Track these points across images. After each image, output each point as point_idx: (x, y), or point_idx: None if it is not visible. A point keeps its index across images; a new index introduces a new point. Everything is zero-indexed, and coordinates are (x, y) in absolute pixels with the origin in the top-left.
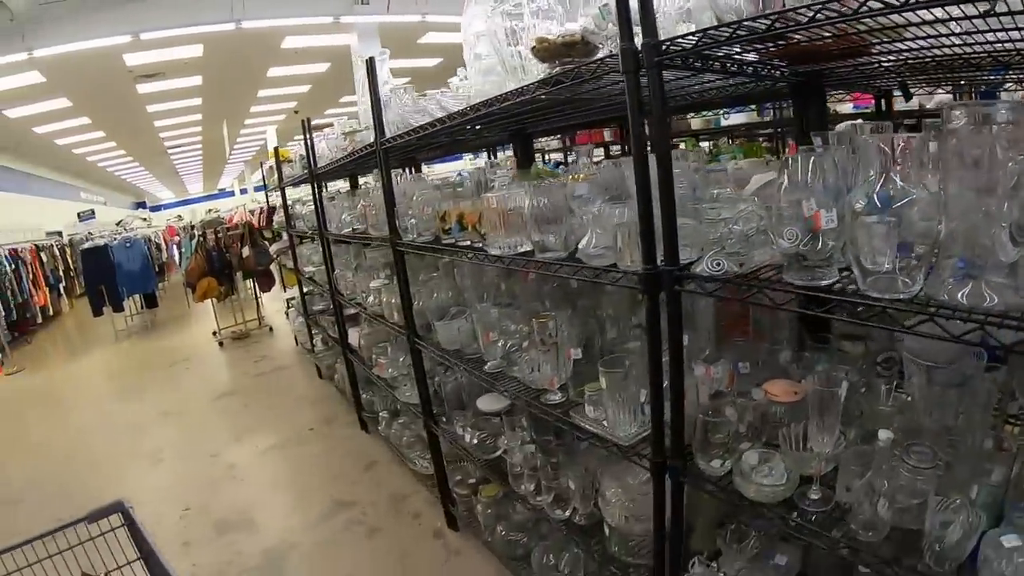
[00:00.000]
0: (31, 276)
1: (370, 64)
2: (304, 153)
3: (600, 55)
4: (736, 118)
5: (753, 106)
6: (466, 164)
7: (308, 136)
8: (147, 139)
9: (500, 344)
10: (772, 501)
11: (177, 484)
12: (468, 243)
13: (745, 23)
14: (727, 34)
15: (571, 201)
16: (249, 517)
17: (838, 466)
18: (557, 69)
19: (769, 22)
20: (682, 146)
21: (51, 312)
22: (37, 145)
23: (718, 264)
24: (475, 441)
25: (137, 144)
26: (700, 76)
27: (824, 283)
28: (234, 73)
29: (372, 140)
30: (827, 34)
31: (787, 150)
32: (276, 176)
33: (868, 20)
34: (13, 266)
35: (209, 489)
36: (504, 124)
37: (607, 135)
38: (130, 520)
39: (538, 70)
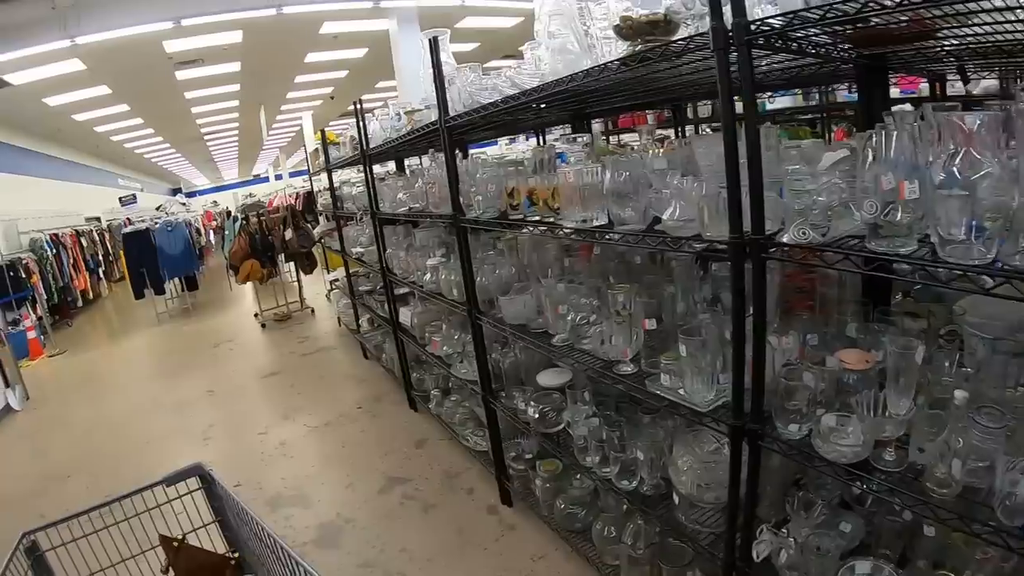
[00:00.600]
0: (72, 261)
1: (433, 43)
2: (355, 134)
3: (681, 34)
4: (781, 102)
5: (798, 90)
6: (502, 148)
7: (360, 117)
8: (184, 126)
9: (569, 317)
10: (849, 462)
11: (227, 461)
12: (538, 218)
13: (836, 5)
14: (817, 15)
15: (651, 176)
16: (302, 493)
17: (909, 430)
18: (640, 46)
19: (860, 4)
20: None
21: (91, 296)
22: (77, 132)
23: (804, 233)
24: (536, 415)
25: (174, 130)
26: (771, 57)
27: (904, 251)
28: (272, 59)
29: (434, 119)
30: (904, 18)
31: (833, 134)
32: (323, 158)
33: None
34: (54, 251)
35: (260, 466)
36: (568, 103)
37: (649, 118)
38: (208, 483)
39: (615, 49)
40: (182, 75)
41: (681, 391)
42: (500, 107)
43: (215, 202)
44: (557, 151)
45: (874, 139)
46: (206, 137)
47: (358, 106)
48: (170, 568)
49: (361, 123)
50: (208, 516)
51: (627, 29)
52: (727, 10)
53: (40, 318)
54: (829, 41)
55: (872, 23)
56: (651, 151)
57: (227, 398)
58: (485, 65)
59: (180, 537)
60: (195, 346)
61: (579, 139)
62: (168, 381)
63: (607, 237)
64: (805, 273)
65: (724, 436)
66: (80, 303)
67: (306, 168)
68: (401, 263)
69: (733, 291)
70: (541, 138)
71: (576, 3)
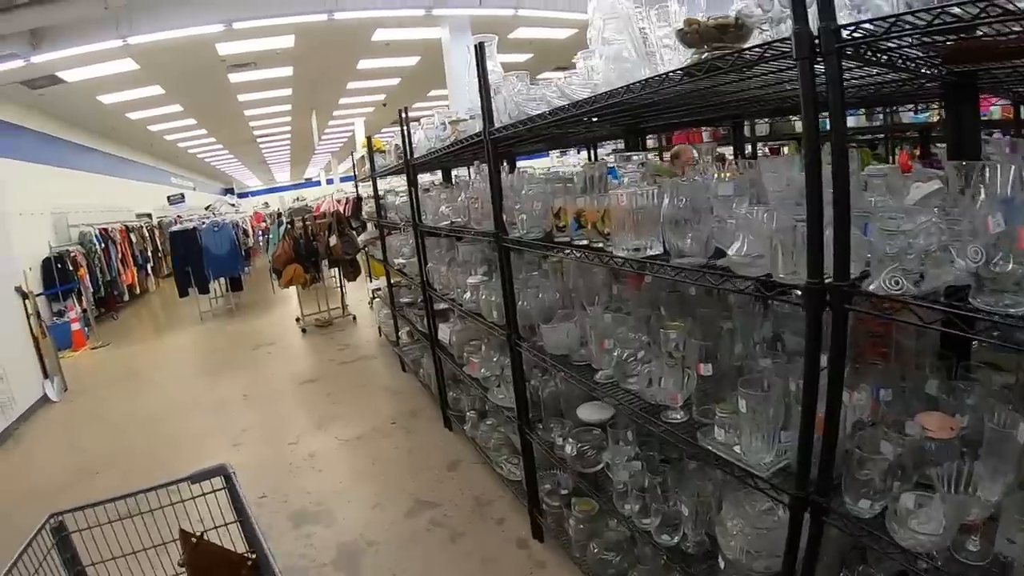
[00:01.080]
0: (120, 255)
1: (479, 49)
2: (400, 143)
3: (754, 41)
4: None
5: (862, 110)
6: (552, 161)
7: (405, 126)
8: (237, 127)
9: (615, 353)
10: (927, 551)
11: (255, 469)
12: (586, 242)
13: (951, 8)
14: (924, 21)
15: (714, 202)
16: (327, 509)
17: (996, 514)
18: (706, 54)
19: (979, 8)
20: (785, 150)
21: (138, 291)
22: (130, 130)
23: (896, 282)
24: (574, 453)
25: (227, 132)
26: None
27: (1016, 312)
28: (325, 64)
29: (478, 129)
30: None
31: (897, 157)
32: (368, 166)
33: None
34: (103, 245)
35: (288, 477)
36: (621, 117)
37: (705, 135)
38: (231, 484)
39: (678, 57)
40: (235, 78)
41: (737, 448)
42: (547, 119)
43: (266, 204)
44: (608, 168)
45: (984, 172)
46: (259, 139)
47: (403, 114)
48: (186, 563)
49: (405, 132)
50: (231, 516)
51: (692, 34)
52: (811, 12)
53: (85, 310)
54: (922, 54)
55: (978, 34)
56: (715, 174)
57: (262, 403)
58: (538, 76)
59: (199, 534)
60: (235, 347)
61: (633, 157)
62: (205, 381)
63: (662, 270)
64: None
65: (783, 503)
66: (127, 297)
67: (388, 165)
68: (442, 278)
69: (808, 344)
70: (593, 153)
71: (633, 5)
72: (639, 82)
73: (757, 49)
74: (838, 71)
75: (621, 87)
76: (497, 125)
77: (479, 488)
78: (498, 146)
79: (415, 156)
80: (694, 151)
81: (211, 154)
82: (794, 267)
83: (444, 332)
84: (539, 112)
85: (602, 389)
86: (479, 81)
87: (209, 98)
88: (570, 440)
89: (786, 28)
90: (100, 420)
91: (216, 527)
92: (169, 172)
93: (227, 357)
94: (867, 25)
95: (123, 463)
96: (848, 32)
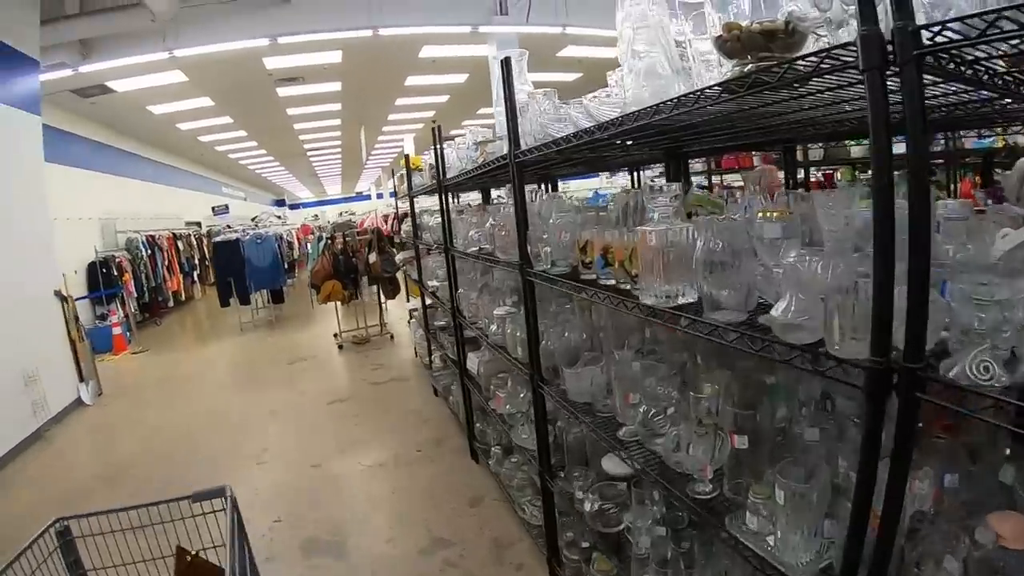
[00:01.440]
0: (166, 262)
1: (505, 65)
2: (433, 162)
3: (808, 49)
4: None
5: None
6: (602, 182)
7: (438, 144)
8: (287, 140)
9: (641, 409)
10: None
11: (273, 490)
12: (613, 282)
13: None
14: None
15: (758, 245)
16: (340, 539)
17: None
18: (750, 66)
19: None
20: (838, 175)
21: (183, 297)
22: (180, 140)
23: (985, 368)
24: (595, 509)
25: (277, 144)
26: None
27: None
28: (372, 80)
29: (505, 152)
30: None
31: (959, 185)
32: (406, 184)
33: None
34: (149, 251)
35: (305, 502)
36: (657, 140)
37: (755, 160)
38: (231, 506)
39: (719, 69)
40: (284, 92)
41: (770, 540)
42: (572, 143)
43: (315, 216)
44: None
45: None
46: (309, 153)
47: (435, 132)
48: None
49: (438, 151)
50: (231, 537)
51: (733, 43)
52: (880, 11)
53: (127, 315)
54: (1011, 68)
55: None
56: (762, 213)
57: (290, 421)
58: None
59: (195, 552)
60: (271, 361)
61: (666, 188)
62: (237, 393)
63: (694, 325)
64: None
65: None
66: (171, 303)
67: (424, 184)
68: (471, 305)
69: (866, 437)
70: (637, 177)
71: (667, 13)
72: (670, 101)
73: (812, 59)
74: (918, 84)
75: (650, 107)
76: (523, 147)
77: (499, 528)
78: (524, 170)
79: (447, 176)
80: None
81: (262, 166)
82: (853, 335)
83: (472, 362)
84: (563, 135)
85: (625, 448)
86: (504, 100)
87: (258, 111)
88: (591, 495)
89: (848, 32)
90: (129, 427)
91: (215, 546)
92: (220, 182)
93: (261, 370)
94: (954, 26)
95: (144, 472)
96: (930, 35)
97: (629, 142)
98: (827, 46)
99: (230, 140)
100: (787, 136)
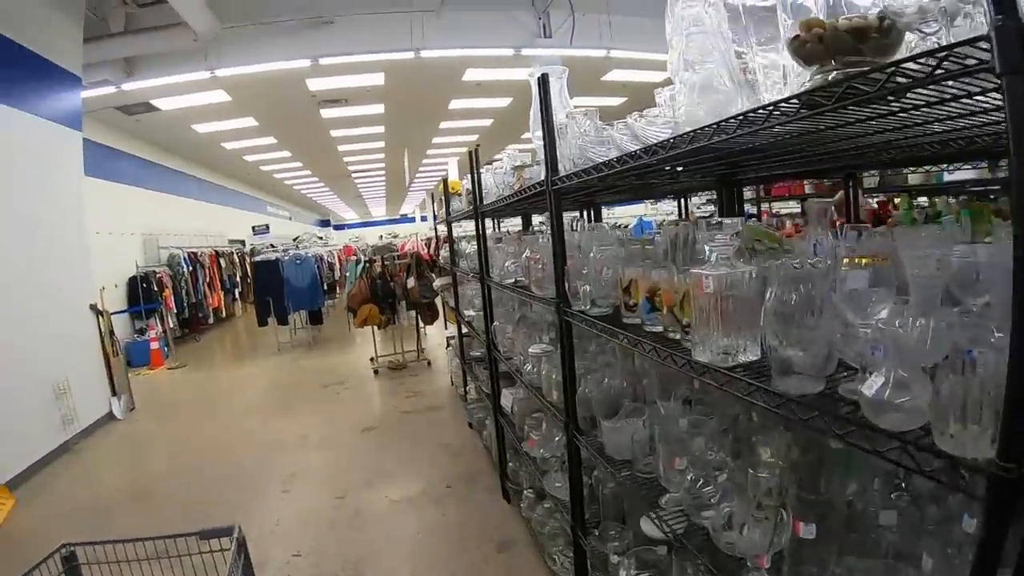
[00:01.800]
0: (207, 279)
1: (542, 83)
2: (470, 187)
3: (902, 52)
4: (963, 173)
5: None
6: (646, 209)
7: (475, 169)
8: (331, 162)
9: (688, 476)
10: None
11: (297, 521)
12: (660, 329)
13: None
14: None
15: (839, 299)
16: None
17: None
18: (836, 73)
19: None
20: (894, 205)
21: (224, 315)
22: (226, 159)
23: None
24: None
25: (321, 165)
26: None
27: None
28: (416, 103)
29: (542, 177)
30: None
31: None
32: (444, 209)
33: None
34: (191, 268)
35: (327, 536)
36: (711, 166)
37: (807, 187)
38: (239, 547)
39: (793, 79)
40: (327, 113)
41: None
42: (615, 168)
43: (358, 237)
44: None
45: None
46: (353, 174)
47: (473, 156)
48: None
49: (475, 175)
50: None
51: (813, 43)
52: None
53: (165, 331)
54: None
55: None
56: (848, 259)
57: (319, 448)
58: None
59: None
60: (305, 383)
61: (725, 224)
62: (269, 417)
63: (757, 393)
64: None
65: None
66: (212, 320)
67: (462, 210)
68: (507, 340)
69: (982, 545)
70: (684, 205)
71: (725, 15)
72: (733, 119)
73: (926, 61)
74: None
75: (708, 127)
76: (562, 172)
77: None
78: (563, 197)
79: (484, 203)
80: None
81: (307, 186)
82: (968, 422)
83: (507, 399)
84: (605, 160)
85: (667, 517)
86: (542, 121)
87: (302, 132)
88: (627, 560)
89: (969, 26)
90: (157, 444)
91: None
92: (265, 201)
93: (295, 393)
94: None
95: (166, 493)
96: None
97: (679, 168)
98: (940, 45)
99: (275, 160)
100: (854, 162)
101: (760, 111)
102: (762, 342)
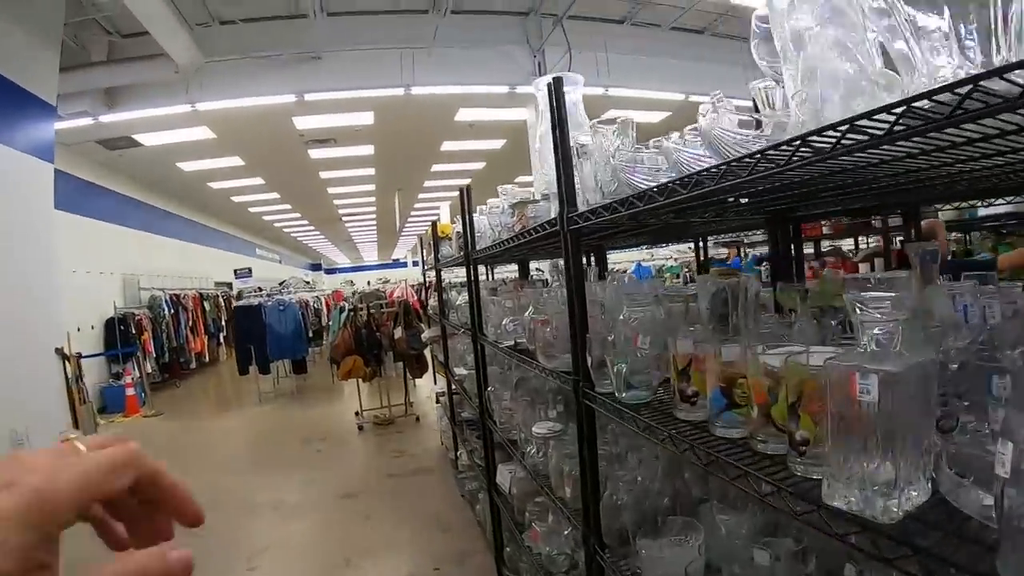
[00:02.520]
0: (190, 323)
1: (555, 89)
2: (461, 230)
3: None
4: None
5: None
6: (641, 255)
7: (466, 209)
8: (320, 204)
9: None
10: None
11: None
12: (740, 434)
13: None
14: None
15: None
16: None
17: None
18: None
19: None
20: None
21: (207, 360)
22: (212, 199)
23: None
24: None
25: (310, 208)
26: None
27: None
28: (407, 145)
29: (553, 215)
30: None
31: None
32: (433, 255)
33: None
34: (172, 311)
35: None
36: (774, 197)
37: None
38: None
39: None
40: (316, 154)
41: None
42: (676, 196)
43: (351, 282)
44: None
45: None
46: (344, 218)
47: (463, 195)
48: None
49: (466, 217)
50: None
51: None
52: None
53: (142, 376)
54: None
55: None
56: None
57: (294, 516)
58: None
59: None
60: (285, 439)
61: (886, 281)
62: (243, 477)
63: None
64: None
65: None
66: (193, 365)
67: (451, 255)
68: (504, 409)
69: None
70: (703, 247)
71: None
72: (923, 120)
73: None
74: None
75: (848, 123)
76: (582, 208)
77: None
78: (582, 239)
79: (477, 248)
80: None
81: (296, 229)
82: None
83: (504, 477)
84: (658, 184)
85: None
86: (554, 141)
87: (290, 173)
88: None
89: None
90: None
91: None
92: (254, 243)
93: (274, 449)
94: None
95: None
96: None
97: (744, 199)
98: None
99: (263, 202)
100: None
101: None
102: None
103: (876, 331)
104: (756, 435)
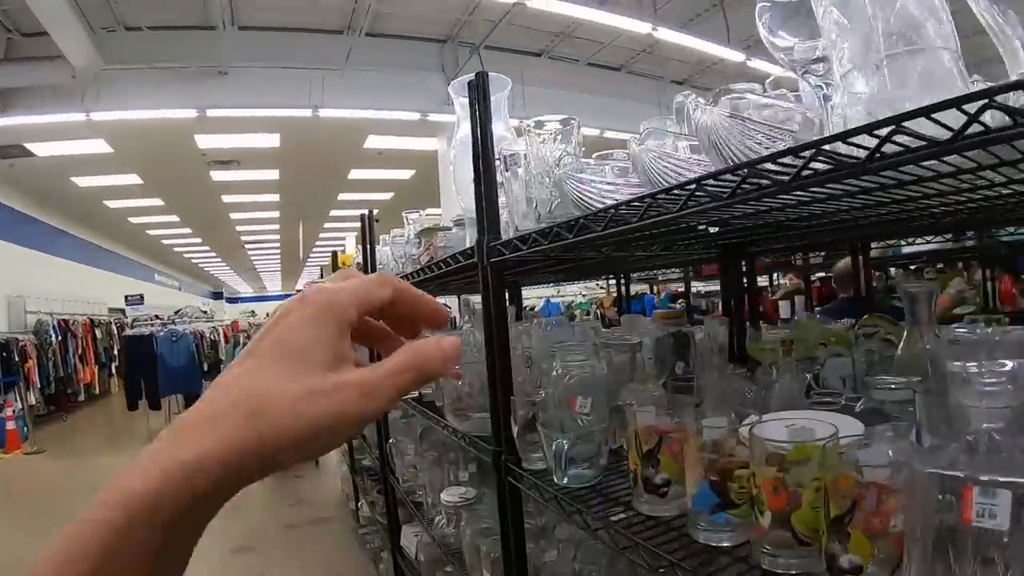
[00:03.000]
0: (79, 351)
1: (480, 84)
2: (361, 261)
3: None
4: (922, 244)
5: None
6: (549, 291)
7: (368, 237)
8: (222, 230)
9: None
10: None
11: None
12: (735, 540)
13: None
14: None
15: None
16: None
17: None
18: None
19: None
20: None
21: (97, 391)
22: (109, 219)
23: None
24: None
25: (212, 233)
26: None
27: None
28: (313, 170)
29: (469, 243)
30: None
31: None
32: None
33: None
34: (59, 337)
35: None
36: (733, 225)
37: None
38: None
39: None
40: (218, 176)
41: None
42: (671, 213)
43: (253, 312)
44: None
45: None
46: (246, 245)
47: (367, 222)
48: None
49: (367, 246)
50: None
51: None
52: None
53: (24, 409)
54: None
55: None
56: None
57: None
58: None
59: None
60: None
61: (994, 340)
62: None
63: None
64: None
65: None
66: (83, 397)
67: None
68: (407, 466)
69: None
70: (626, 286)
71: None
72: None
73: None
74: None
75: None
76: (508, 233)
77: None
78: (505, 273)
79: None
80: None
81: (197, 255)
82: None
83: (409, 540)
84: (639, 195)
85: None
86: (475, 150)
87: (191, 196)
88: None
89: None
90: None
91: None
92: (153, 268)
93: None
94: None
95: None
96: None
97: (713, 229)
98: None
99: (162, 224)
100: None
101: None
102: None
103: (989, 423)
104: (762, 544)
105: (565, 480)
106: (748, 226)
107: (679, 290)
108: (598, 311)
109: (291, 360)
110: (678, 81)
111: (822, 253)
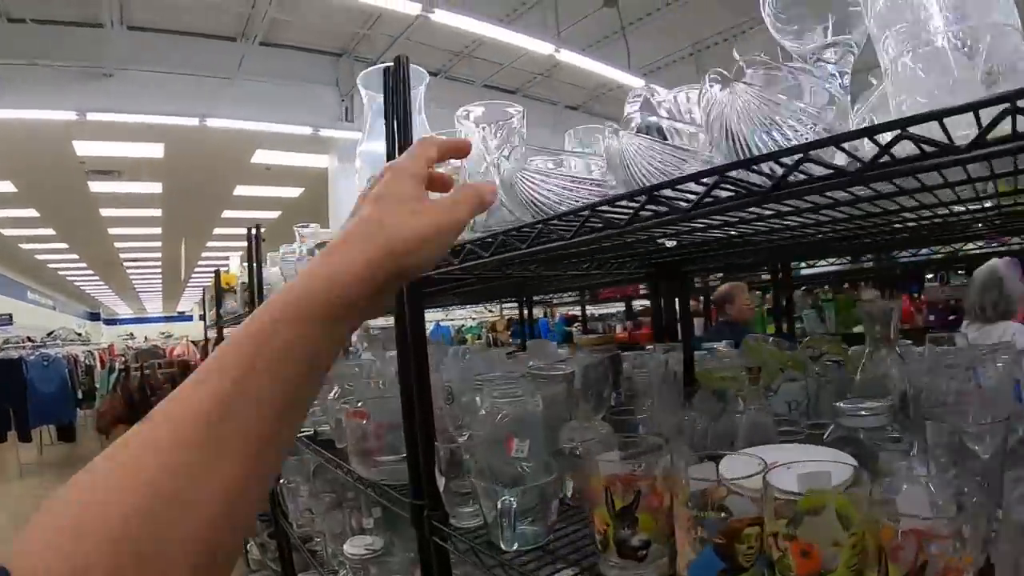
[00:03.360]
0: None
1: (397, 70)
2: (247, 280)
3: None
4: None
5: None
6: (439, 314)
7: (254, 254)
8: (100, 246)
9: None
10: None
11: None
12: None
13: None
14: None
15: None
16: None
17: None
18: None
19: None
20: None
21: None
22: None
23: None
24: None
25: (89, 249)
26: None
27: None
28: (198, 185)
29: None
30: None
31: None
32: (215, 310)
33: None
34: None
35: None
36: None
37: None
38: None
39: None
40: (97, 187)
41: None
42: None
43: (131, 334)
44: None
45: None
46: (125, 263)
47: (252, 237)
48: None
49: (254, 264)
50: None
51: None
52: None
53: None
54: None
55: None
56: None
57: None
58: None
59: None
60: None
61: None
62: None
63: None
64: None
65: None
66: None
67: (236, 311)
68: (301, 509)
69: None
70: (529, 309)
71: None
72: None
73: None
74: None
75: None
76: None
77: None
78: (423, 295)
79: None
80: None
81: (73, 272)
82: None
83: None
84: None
85: None
86: (392, 144)
87: (67, 207)
88: None
89: None
90: None
91: None
92: (25, 285)
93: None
94: None
95: None
96: None
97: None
98: None
99: (36, 238)
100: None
101: None
102: None
103: None
104: None
105: (515, 546)
106: (691, 243)
107: (570, 313)
108: (490, 335)
109: (394, 200)
110: (573, 107)
111: (720, 275)
